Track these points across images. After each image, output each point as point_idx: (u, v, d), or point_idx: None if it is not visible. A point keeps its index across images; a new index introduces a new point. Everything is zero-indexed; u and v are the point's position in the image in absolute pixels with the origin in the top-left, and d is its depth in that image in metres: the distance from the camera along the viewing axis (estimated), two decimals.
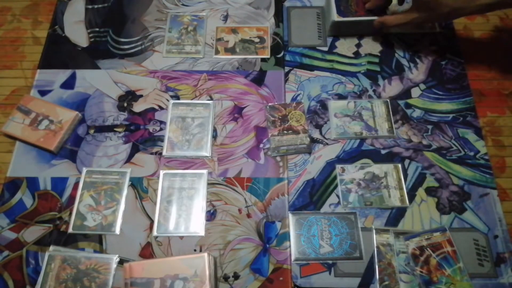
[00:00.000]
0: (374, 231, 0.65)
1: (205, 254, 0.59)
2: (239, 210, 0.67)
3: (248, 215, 0.67)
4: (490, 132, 0.74)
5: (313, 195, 0.68)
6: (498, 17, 0.86)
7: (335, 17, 0.79)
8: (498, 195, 0.67)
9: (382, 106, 0.75)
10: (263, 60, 0.81)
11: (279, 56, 0.82)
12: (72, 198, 0.68)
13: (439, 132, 0.73)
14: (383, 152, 0.72)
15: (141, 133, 0.74)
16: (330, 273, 0.62)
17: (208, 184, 0.69)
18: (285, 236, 0.65)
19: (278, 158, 0.71)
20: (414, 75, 0.79)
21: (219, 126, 0.74)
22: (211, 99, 0.77)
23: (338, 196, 0.68)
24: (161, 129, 0.74)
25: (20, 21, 0.88)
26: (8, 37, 0.85)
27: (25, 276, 0.62)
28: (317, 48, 0.82)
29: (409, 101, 0.76)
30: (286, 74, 0.80)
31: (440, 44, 0.82)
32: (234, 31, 0.84)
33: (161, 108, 0.76)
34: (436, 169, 0.70)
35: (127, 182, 0.69)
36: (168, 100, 0.77)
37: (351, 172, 0.70)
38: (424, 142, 0.72)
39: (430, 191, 0.68)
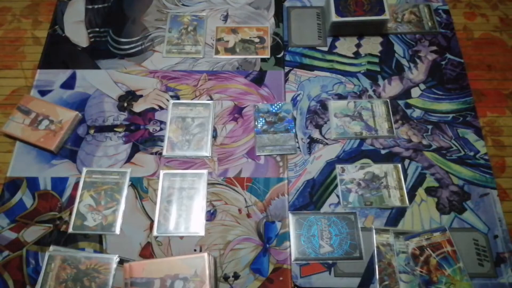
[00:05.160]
0: (374, 231, 0.65)
1: (205, 254, 0.58)
2: (239, 210, 0.67)
3: (248, 215, 0.67)
4: (490, 132, 0.74)
5: (313, 195, 0.68)
6: (498, 17, 0.86)
7: (334, 17, 0.79)
8: (498, 195, 0.67)
9: (382, 106, 0.75)
10: (263, 60, 0.81)
11: (279, 56, 0.82)
12: (72, 198, 0.68)
13: (439, 132, 0.73)
14: (383, 152, 0.72)
15: (141, 133, 0.74)
16: (330, 273, 0.62)
17: (208, 184, 0.69)
18: (285, 236, 0.65)
19: (278, 158, 0.71)
20: (414, 75, 0.79)
21: (219, 126, 0.74)
22: (211, 99, 0.77)
23: (338, 196, 0.68)
24: (161, 129, 0.74)
25: (20, 21, 0.88)
26: (8, 37, 0.86)
27: (25, 276, 0.62)
28: (317, 48, 0.82)
29: (409, 101, 0.76)
30: (286, 74, 0.80)
31: (440, 44, 0.82)
32: (234, 31, 0.84)
33: (161, 108, 0.76)
34: (436, 169, 0.70)
35: (127, 182, 0.69)
36: (168, 100, 0.77)
37: (351, 172, 0.70)
38: (424, 142, 0.72)
39: (430, 191, 0.68)
